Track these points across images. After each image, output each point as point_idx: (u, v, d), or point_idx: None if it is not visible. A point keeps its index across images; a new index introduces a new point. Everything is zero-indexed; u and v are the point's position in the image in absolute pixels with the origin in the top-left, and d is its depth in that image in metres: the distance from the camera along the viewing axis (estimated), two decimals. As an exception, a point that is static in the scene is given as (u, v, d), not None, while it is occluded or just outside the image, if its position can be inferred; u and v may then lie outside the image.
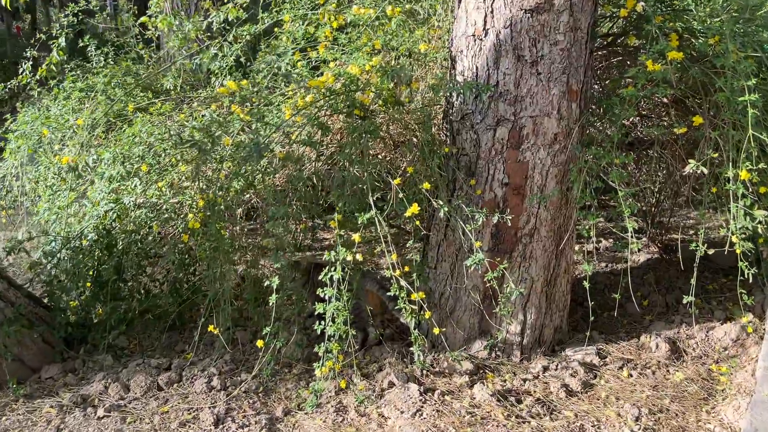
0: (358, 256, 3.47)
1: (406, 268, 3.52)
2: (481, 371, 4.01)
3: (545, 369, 4.04)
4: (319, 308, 3.55)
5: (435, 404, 3.58)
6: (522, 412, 3.53)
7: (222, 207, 3.68)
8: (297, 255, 4.39)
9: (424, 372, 3.96)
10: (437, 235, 4.24)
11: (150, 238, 4.18)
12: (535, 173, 3.87)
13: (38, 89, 5.15)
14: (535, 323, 4.18)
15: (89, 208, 4.06)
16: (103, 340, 4.29)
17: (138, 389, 3.85)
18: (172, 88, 4.96)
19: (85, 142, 4.24)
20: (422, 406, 3.55)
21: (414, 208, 3.33)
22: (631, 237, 3.64)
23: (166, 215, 4.04)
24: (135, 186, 3.85)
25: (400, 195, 3.49)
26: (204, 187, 3.68)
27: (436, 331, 3.77)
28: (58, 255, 4.05)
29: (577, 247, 5.12)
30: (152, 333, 4.60)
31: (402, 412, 3.50)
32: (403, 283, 3.47)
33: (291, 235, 4.00)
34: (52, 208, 4.31)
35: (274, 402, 3.74)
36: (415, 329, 3.66)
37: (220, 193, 3.65)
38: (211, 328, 3.75)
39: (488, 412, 3.52)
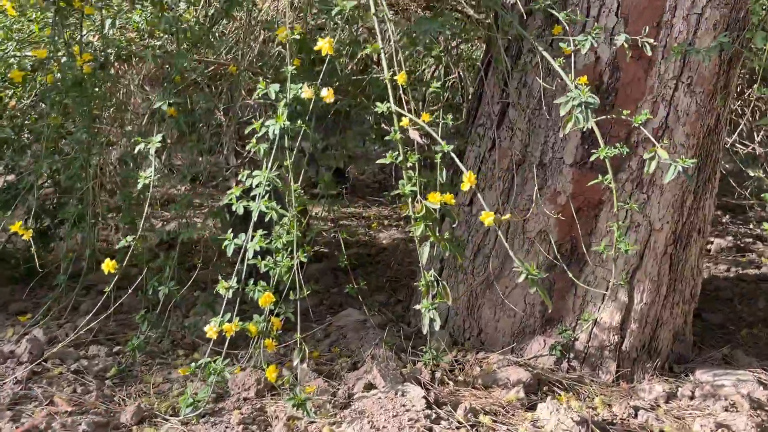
0: (326, 94, 1.65)
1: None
2: (545, 387, 2.09)
3: (669, 396, 2.10)
4: (231, 195, 1.69)
5: (457, 427, 1.65)
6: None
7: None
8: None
9: (438, 377, 2.05)
10: (480, 143, 2.41)
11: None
12: (676, 18, 2.07)
13: None
14: (648, 312, 2.27)
15: None
16: None
17: None
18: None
19: None
20: (431, 428, 1.63)
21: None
22: None
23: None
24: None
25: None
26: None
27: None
28: None
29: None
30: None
31: (385, 437, 1.58)
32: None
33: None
34: None
35: (129, 397, 1.83)
36: (431, 277, 1.77)
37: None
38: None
39: (578, 458, 1.59)
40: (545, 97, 2.11)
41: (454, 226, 2.35)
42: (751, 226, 4.63)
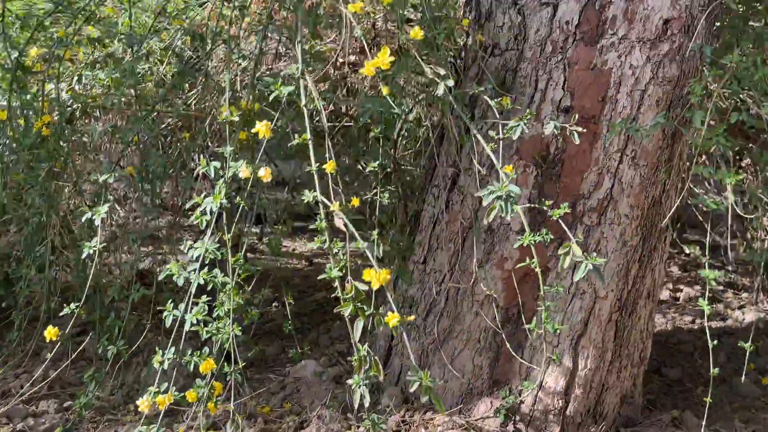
0: (263, 174, 1.70)
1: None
2: (486, 453, 2.13)
3: (608, 465, 2.14)
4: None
5: (382, 507, 1.69)
6: None
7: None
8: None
9: (379, 441, 2.08)
10: (434, 204, 2.46)
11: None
12: (621, 93, 2.12)
13: None
14: (592, 378, 2.30)
15: None
16: None
17: None
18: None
19: None
20: (353, 508, 1.67)
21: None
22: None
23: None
24: None
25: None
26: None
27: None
28: None
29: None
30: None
31: None
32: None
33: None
34: None
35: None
36: (365, 349, 1.82)
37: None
38: None
39: None
40: (493, 168, 2.16)
41: (405, 288, 2.40)
42: (729, 268, 4.64)
